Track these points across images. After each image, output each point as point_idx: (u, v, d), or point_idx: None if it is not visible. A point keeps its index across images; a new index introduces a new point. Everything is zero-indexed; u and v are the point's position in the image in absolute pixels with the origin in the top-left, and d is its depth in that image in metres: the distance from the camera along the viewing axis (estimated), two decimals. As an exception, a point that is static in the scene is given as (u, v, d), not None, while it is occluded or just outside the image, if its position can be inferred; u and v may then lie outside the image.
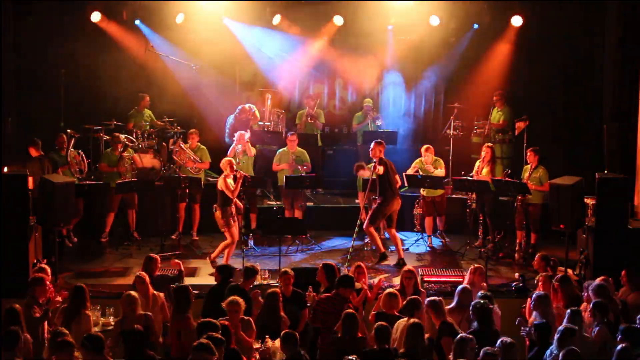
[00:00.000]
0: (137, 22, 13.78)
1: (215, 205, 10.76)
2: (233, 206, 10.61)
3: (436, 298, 7.59)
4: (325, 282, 8.40)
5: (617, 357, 6.37)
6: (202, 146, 12.47)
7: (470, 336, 6.60)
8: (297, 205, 12.06)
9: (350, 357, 6.30)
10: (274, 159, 12.40)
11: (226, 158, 10.97)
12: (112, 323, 8.14)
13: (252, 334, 7.33)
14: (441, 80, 14.72)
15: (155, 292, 8.21)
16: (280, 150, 12.43)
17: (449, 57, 14.34)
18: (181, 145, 12.25)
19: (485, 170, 11.60)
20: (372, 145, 11.05)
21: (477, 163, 11.87)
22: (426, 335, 7.60)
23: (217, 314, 7.41)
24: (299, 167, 12.18)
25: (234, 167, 10.68)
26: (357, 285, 8.34)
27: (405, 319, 7.38)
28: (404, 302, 7.61)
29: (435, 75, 14.68)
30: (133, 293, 7.74)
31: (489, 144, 11.97)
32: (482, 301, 7.42)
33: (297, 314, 8.25)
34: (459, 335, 6.62)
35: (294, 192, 12.06)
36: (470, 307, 7.39)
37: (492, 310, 7.39)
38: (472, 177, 11.82)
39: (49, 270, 8.69)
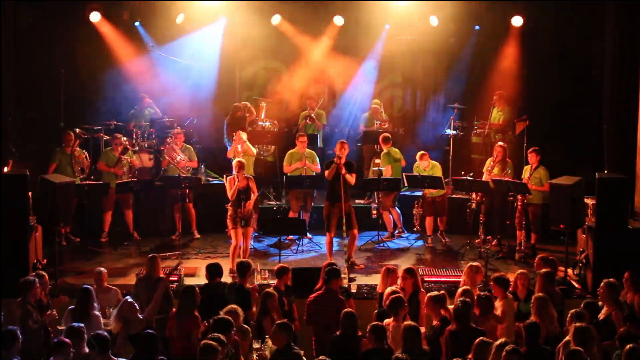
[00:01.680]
0: (137, 24, 13.77)
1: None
2: (244, 207, 10.52)
3: (439, 292, 7.60)
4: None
5: (626, 357, 6.35)
6: (188, 146, 12.50)
7: (490, 340, 6.56)
8: (309, 207, 12.03)
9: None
10: (284, 161, 12.32)
11: (237, 159, 10.96)
12: (113, 323, 8.15)
13: (246, 342, 7.24)
14: (441, 80, 14.72)
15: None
16: (289, 151, 12.36)
17: (450, 58, 14.35)
18: (172, 146, 12.25)
19: (496, 170, 11.59)
20: (339, 145, 10.80)
21: (488, 162, 11.87)
22: (422, 330, 7.64)
23: (205, 313, 7.50)
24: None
25: (238, 169, 10.59)
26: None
27: (392, 318, 7.40)
28: (388, 301, 7.58)
29: (435, 75, 14.70)
30: (130, 299, 7.79)
31: (501, 143, 11.95)
32: (461, 299, 7.38)
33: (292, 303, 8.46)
34: (480, 339, 6.56)
35: (305, 193, 12.01)
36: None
37: (468, 309, 7.31)
38: (471, 176, 11.84)
39: (46, 277, 8.62)
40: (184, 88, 14.15)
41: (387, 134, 12.59)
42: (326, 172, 10.72)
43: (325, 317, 7.76)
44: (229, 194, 10.58)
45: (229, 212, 10.63)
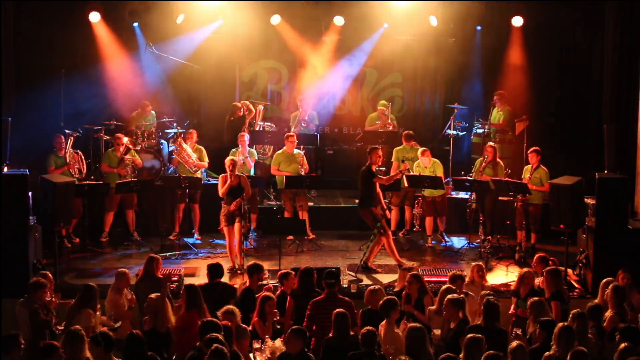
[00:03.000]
0: (135, 24, 13.77)
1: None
2: (235, 204, 10.54)
3: (459, 296, 7.60)
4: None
5: (620, 356, 6.35)
6: (200, 146, 12.47)
7: (480, 335, 6.56)
8: (298, 205, 12.00)
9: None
10: (273, 162, 12.29)
11: (230, 157, 11.00)
12: (113, 324, 8.15)
13: (245, 342, 7.23)
14: (441, 80, 14.72)
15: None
16: (278, 152, 12.34)
17: (450, 58, 14.35)
18: (182, 144, 12.25)
19: (488, 171, 11.59)
20: (380, 152, 10.81)
21: (478, 162, 11.87)
22: (438, 332, 7.62)
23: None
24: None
25: (231, 167, 10.63)
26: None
27: (384, 321, 7.36)
28: (381, 303, 7.54)
29: (435, 75, 14.71)
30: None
31: (491, 144, 11.96)
32: (490, 298, 7.42)
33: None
34: (469, 336, 6.54)
35: (295, 193, 12.03)
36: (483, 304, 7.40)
37: (498, 307, 7.35)
38: (471, 176, 11.85)
39: (50, 276, 8.62)
40: (183, 88, 14.16)
41: (409, 131, 12.59)
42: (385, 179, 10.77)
43: (329, 321, 7.57)
44: (220, 191, 10.63)
45: (222, 210, 10.69)
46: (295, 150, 12.20)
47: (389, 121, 13.54)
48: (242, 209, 10.68)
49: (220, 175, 10.80)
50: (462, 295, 7.70)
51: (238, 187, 10.63)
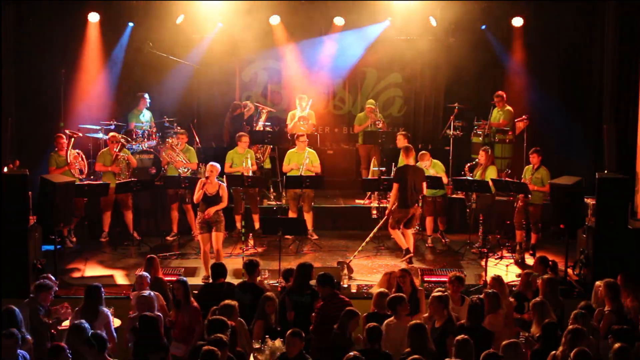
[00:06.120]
0: (130, 24, 13.76)
1: None
2: (209, 211, 10.21)
3: (443, 293, 7.56)
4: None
5: (615, 356, 6.35)
6: (190, 147, 12.46)
7: (466, 336, 6.54)
8: (309, 207, 11.98)
9: (352, 354, 6.27)
10: (284, 160, 12.26)
11: (212, 162, 10.56)
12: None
13: (243, 336, 7.26)
14: (441, 80, 14.71)
15: (153, 292, 8.26)
16: (290, 151, 12.32)
17: (450, 58, 14.35)
18: (172, 145, 12.24)
19: (479, 176, 11.59)
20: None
21: (466, 168, 11.94)
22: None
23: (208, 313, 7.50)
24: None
25: (209, 173, 10.30)
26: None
27: (392, 317, 7.36)
28: (387, 299, 7.53)
29: (435, 75, 14.71)
30: (145, 293, 7.79)
31: (485, 147, 11.97)
32: (474, 298, 7.39)
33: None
34: (460, 337, 6.53)
35: (303, 193, 11.94)
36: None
37: (482, 308, 7.33)
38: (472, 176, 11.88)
39: (53, 279, 8.59)
40: (184, 88, 14.17)
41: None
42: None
43: (334, 322, 7.53)
44: (195, 197, 10.38)
45: (197, 217, 10.48)
46: (309, 150, 12.15)
47: (378, 119, 13.56)
48: (219, 218, 10.29)
49: (199, 180, 10.50)
50: (446, 293, 7.65)
51: (215, 197, 10.26)
